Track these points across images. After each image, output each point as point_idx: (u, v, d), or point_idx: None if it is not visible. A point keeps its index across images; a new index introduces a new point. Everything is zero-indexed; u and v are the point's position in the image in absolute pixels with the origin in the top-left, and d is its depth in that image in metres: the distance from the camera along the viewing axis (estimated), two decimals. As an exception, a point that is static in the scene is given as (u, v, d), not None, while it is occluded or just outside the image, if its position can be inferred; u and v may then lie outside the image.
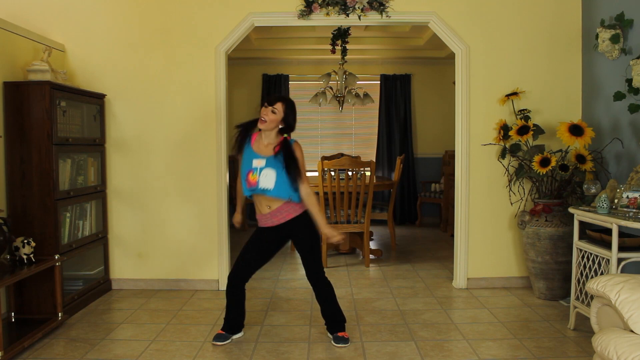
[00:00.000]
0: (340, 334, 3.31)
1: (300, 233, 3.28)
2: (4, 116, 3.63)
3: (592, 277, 3.33)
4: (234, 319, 3.38)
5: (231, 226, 4.35)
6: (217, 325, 3.62)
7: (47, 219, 3.65)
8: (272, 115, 3.18)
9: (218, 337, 3.31)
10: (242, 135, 3.30)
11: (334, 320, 3.36)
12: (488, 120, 4.42)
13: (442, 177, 7.49)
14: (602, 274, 3.22)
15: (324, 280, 3.35)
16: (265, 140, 3.25)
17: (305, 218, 3.25)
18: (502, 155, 4.38)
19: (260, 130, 3.26)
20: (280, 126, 3.23)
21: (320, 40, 6.89)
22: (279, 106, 3.19)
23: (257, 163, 3.18)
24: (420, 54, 7.85)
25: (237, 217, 3.51)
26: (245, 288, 3.36)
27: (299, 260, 5.55)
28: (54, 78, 3.79)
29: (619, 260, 3.08)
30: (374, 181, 5.32)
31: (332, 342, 3.31)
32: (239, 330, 3.41)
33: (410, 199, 8.10)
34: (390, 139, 8.04)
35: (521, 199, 4.42)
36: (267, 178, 3.15)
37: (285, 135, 3.26)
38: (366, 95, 6.49)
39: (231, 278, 3.32)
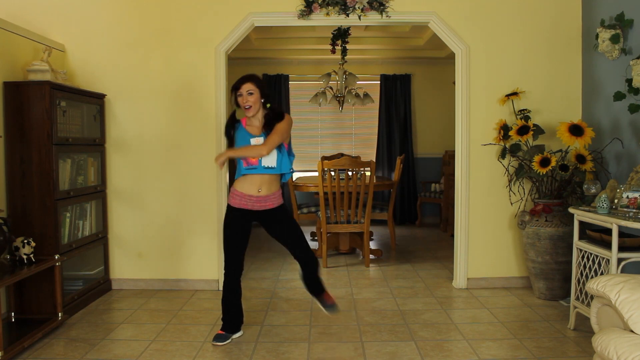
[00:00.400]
0: (328, 300, 3.41)
1: (284, 219, 3.38)
2: (4, 116, 3.63)
3: (592, 277, 3.33)
4: (233, 318, 3.38)
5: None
6: (217, 325, 3.61)
7: (47, 219, 3.65)
8: (252, 97, 3.22)
9: (218, 338, 3.31)
10: (229, 123, 3.37)
11: (318, 283, 3.44)
12: (488, 120, 4.42)
13: (442, 177, 7.49)
14: (602, 274, 3.22)
15: (313, 255, 3.45)
16: (256, 122, 3.31)
17: (284, 205, 3.40)
18: (502, 155, 4.38)
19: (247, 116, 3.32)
20: (261, 101, 3.28)
21: (320, 40, 6.89)
22: (250, 86, 3.22)
23: (256, 142, 3.23)
24: (420, 54, 7.85)
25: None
26: (240, 281, 3.37)
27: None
28: (54, 78, 3.79)
29: (619, 260, 3.08)
30: (374, 181, 5.32)
31: (324, 310, 3.42)
32: (238, 329, 3.41)
33: (410, 199, 8.10)
34: (390, 139, 8.03)
35: (521, 199, 4.42)
36: (269, 157, 3.20)
37: (269, 105, 3.32)
38: (366, 95, 6.49)
39: (229, 274, 3.33)
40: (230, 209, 3.31)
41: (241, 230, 3.31)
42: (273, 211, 3.33)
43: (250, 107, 3.23)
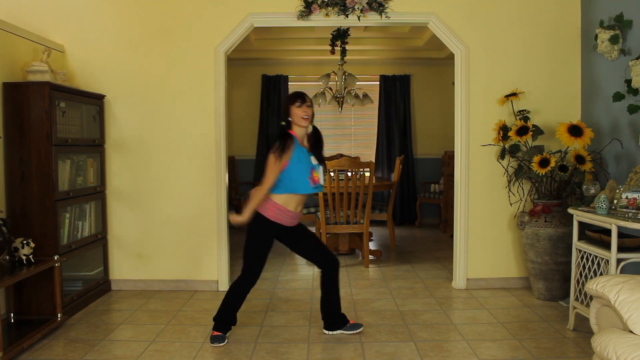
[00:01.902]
0: (351, 324, 3.47)
1: (303, 230, 3.43)
2: (4, 117, 3.62)
3: (591, 277, 3.33)
4: (231, 320, 3.39)
5: (231, 227, 4.35)
6: (216, 326, 3.62)
7: (47, 219, 3.65)
8: (310, 110, 3.25)
9: (217, 339, 3.30)
10: (287, 138, 3.20)
11: (337, 296, 3.47)
12: (487, 121, 4.42)
13: (441, 177, 7.49)
14: (601, 274, 3.22)
15: (335, 257, 3.45)
16: (305, 141, 3.32)
17: None
18: (502, 155, 4.38)
19: (291, 130, 3.25)
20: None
21: (320, 40, 6.89)
22: (310, 101, 3.28)
23: (314, 161, 3.27)
24: (419, 55, 7.86)
25: (239, 219, 3.19)
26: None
27: (299, 261, 5.57)
28: (53, 79, 3.79)
29: (618, 260, 3.08)
30: (374, 182, 5.32)
31: (345, 331, 3.44)
32: (229, 329, 3.43)
33: (409, 199, 8.10)
34: (390, 139, 8.04)
35: (520, 199, 4.42)
36: (321, 174, 3.28)
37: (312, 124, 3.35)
38: (365, 95, 6.49)
39: (247, 282, 3.31)
40: (266, 221, 3.22)
41: (271, 243, 3.33)
42: (297, 226, 3.38)
43: (308, 118, 3.23)
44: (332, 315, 3.46)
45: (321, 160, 3.31)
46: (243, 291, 3.33)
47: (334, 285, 3.44)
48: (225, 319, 3.37)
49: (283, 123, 3.25)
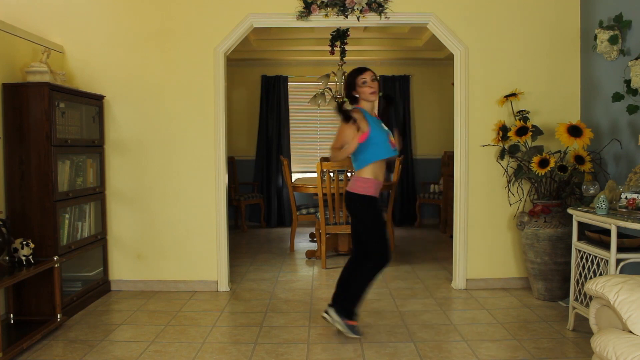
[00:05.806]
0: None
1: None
2: (3, 117, 3.62)
3: (591, 278, 3.34)
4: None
5: (230, 227, 4.34)
6: (216, 327, 3.62)
7: (46, 220, 3.65)
8: (376, 84, 3.30)
9: (354, 330, 3.34)
10: (347, 112, 3.36)
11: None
12: (487, 121, 4.43)
13: (441, 178, 7.49)
14: (601, 274, 3.22)
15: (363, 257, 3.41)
16: (373, 109, 3.40)
17: None
18: (501, 156, 4.39)
19: (357, 104, 3.37)
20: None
21: (319, 41, 6.90)
22: (373, 74, 3.32)
23: (385, 127, 3.34)
24: (419, 55, 7.86)
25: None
26: None
27: (298, 262, 5.57)
28: (52, 79, 3.79)
29: (618, 261, 3.08)
30: (373, 182, 5.30)
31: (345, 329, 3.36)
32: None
33: (409, 200, 8.10)
34: (389, 140, 8.03)
35: (520, 199, 4.43)
36: (395, 138, 3.37)
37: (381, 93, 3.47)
38: (365, 96, 6.49)
39: (385, 259, 3.30)
40: (372, 199, 3.28)
41: (383, 217, 3.39)
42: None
43: (375, 92, 3.28)
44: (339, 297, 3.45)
45: (389, 126, 3.37)
46: (374, 276, 3.33)
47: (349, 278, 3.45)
48: (354, 309, 3.38)
49: (345, 100, 3.32)
